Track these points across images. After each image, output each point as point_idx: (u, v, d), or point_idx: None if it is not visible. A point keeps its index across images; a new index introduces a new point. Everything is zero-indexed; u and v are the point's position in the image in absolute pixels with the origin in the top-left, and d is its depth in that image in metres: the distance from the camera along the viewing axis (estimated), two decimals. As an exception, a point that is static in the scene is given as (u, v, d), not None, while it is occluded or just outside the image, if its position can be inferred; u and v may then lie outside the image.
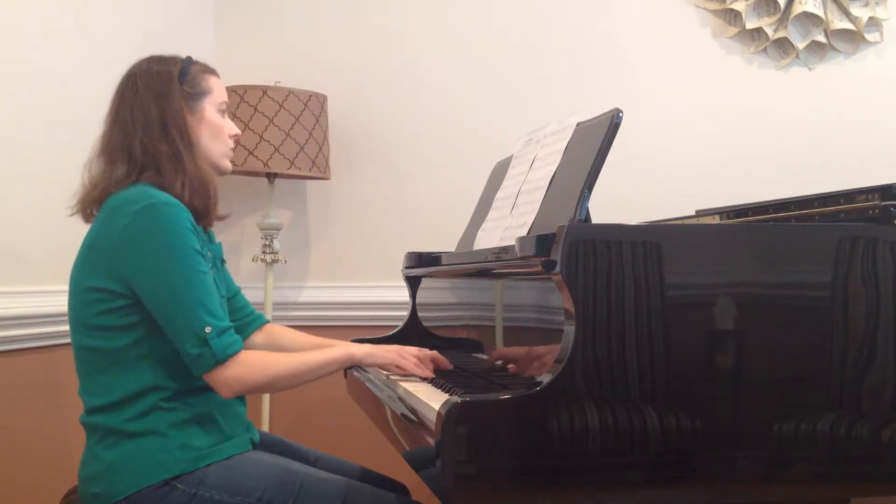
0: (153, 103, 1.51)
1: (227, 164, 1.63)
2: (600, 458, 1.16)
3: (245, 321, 1.75)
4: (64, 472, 1.72)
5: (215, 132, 1.58)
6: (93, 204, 1.51)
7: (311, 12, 2.80)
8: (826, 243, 1.24)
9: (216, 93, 1.59)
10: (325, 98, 2.61)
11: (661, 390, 1.18)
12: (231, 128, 1.63)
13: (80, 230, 2.19)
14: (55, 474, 1.86)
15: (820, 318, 1.23)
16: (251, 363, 1.41)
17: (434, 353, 1.67)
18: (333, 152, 2.70)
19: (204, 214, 1.52)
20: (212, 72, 1.62)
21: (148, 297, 1.39)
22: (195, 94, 1.55)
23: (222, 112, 1.61)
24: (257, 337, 1.79)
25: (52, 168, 2.09)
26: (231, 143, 1.63)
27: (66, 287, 2.11)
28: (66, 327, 2.08)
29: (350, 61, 2.75)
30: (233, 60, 2.77)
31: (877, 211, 1.31)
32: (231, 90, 2.43)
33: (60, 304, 2.08)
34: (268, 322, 1.83)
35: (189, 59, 1.59)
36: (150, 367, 1.41)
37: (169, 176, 1.47)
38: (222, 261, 1.66)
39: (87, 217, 1.54)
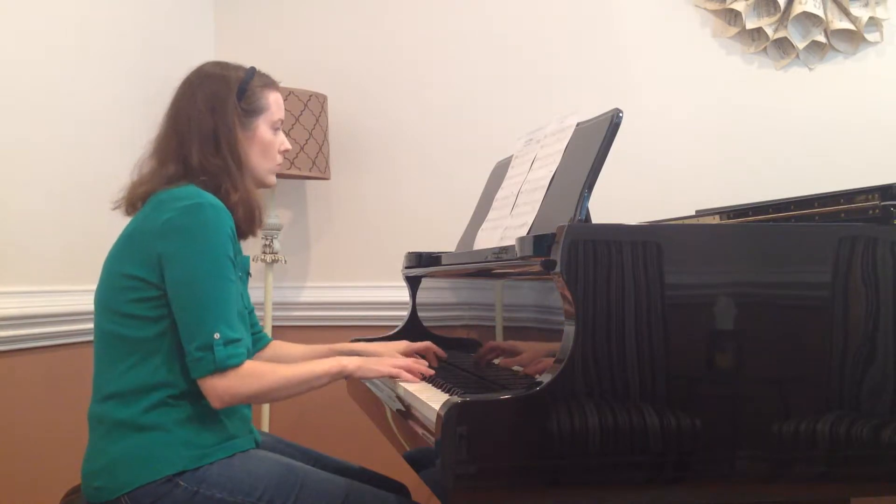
0: (208, 115, 1.53)
1: (272, 180, 1.65)
2: (600, 458, 1.16)
3: (253, 339, 1.76)
4: (64, 472, 1.72)
5: (265, 149, 1.60)
6: (139, 199, 1.53)
7: (310, 12, 2.80)
8: (826, 243, 1.24)
9: (273, 110, 1.61)
10: (325, 98, 2.61)
11: (661, 390, 1.18)
12: (282, 143, 1.64)
13: (82, 231, 2.19)
14: (55, 474, 1.86)
15: (820, 318, 1.23)
16: (243, 375, 1.41)
17: (427, 343, 1.67)
18: (333, 152, 2.70)
19: (248, 232, 1.56)
20: (272, 86, 1.63)
21: (172, 289, 1.40)
22: (250, 112, 1.57)
23: (276, 129, 1.62)
24: (262, 355, 1.79)
25: (53, 168, 2.10)
26: (280, 159, 1.65)
27: (66, 288, 2.12)
28: (67, 327, 2.10)
29: (350, 61, 2.75)
30: (233, 60, 2.76)
31: (877, 211, 1.31)
32: (231, 90, 2.42)
33: (60, 304, 2.09)
34: (272, 340, 1.85)
35: (251, 71, 1.60)
36: (165, 362, 1.42)
37: (227, 188, 1.50)
38: (247, 273, 1.66)
39: (130, 210, 1.55)
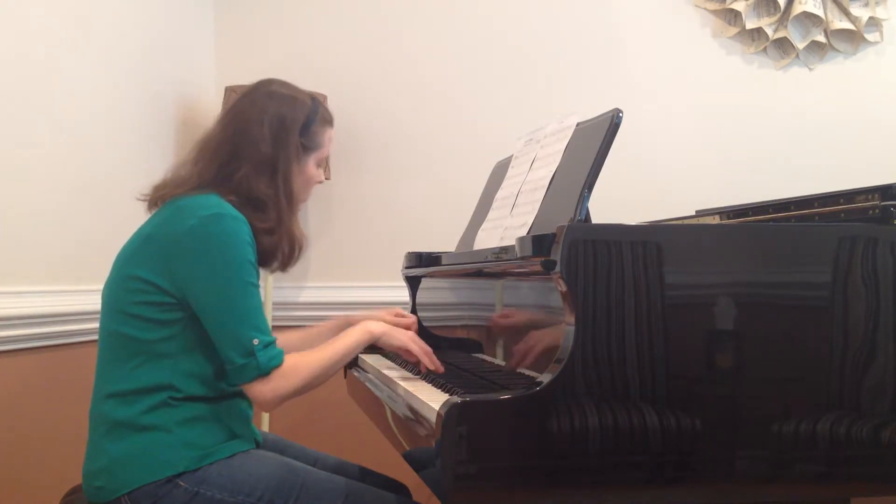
0: (271, 143, 1.53)
1: (299, 208, 1.65)
2: (600, 458, 1.16)
3: None
4: (64, 472, 1.73)
5: (306, 184, 1.61)
6: (165, 199, 1.52)
7: (311, 13, 2.80)
8: (826, 243, 1.24)
9: (325, 148, 1.62)
10: (325, 98, 2.61)
11: (661, 390, 1.18)
12: (318, 176, 1.65)
13: (82, 231, 2.19)
14: (55, 474, 1.86)
15: (820, 318, 1.23)
16: (284, 374, 1.42)
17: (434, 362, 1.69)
18: (333, 152, 2.69)
19: (279, 265, 1.55)
20: (330, 123, 1.64)
21: (199, 304, 1.40)
22: (308, 148, 1.58)
23: (319, 165, 1.63)
24: None
25: (53, 168, 2.09)
26: (311, 190, 1.66)
27: (67, 287, 2.12)
28: (67, 327, 2.10)
29: (350, 61, 2.75)
30: (233, 60, 2.77)
31: (877, 211, 1.31)
32: (231, 90, 2.43)
33: (60, 304, 2.09)
34: None
35: (317, 106, 1.60)
36: (169, 367, 1.42)
37: (264, 217, 1.50)
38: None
39: (151, 207, 1.54)
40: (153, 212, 1.53)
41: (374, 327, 1.59)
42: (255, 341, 1.39)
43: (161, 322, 1.42)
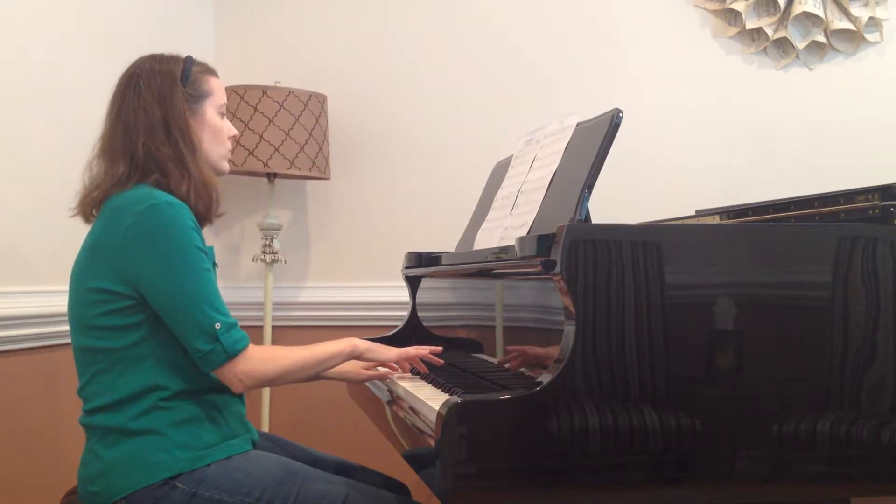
0: (156, 105, 1.51)
1: (226, 166, 1.64)
2: (600, 459, 1.16)
3: None
4: (63, 473, 1.73)
5: (215, 134, 1.59)
6: (94, 204, 1.51)
7: (310, 12, 2.80)
8: (826, 243, 1.24)
9: (217, 94, 1.60)
10: (325, 98, 2.61)
11: (661, 390, 1.18)
12: (229, 129, 1.63)
13: (80, 230, 2.19)
14: (55, 474, 1.86)
15: (820, 318, 1.23)
16: (261, 358, 1.43)
17: (431, 349, 1.69)
18: (333, 152, 2.70)
19: (206, 217, 1.53)
20: (212, 73, 1.62)
21: (154, 297, 1.40)
22: (197, 96, 1.56)
23: (222, 114, 1.61)
24: None
25: (53, 167, 2.10)
26: (230, 145, 1.64)
27: (66, 287, 2.12)
28: (67, 327, 2.10)
29: (350, 61, 2.75)
30: (233, 60, 2.77)
31: (877, 211, 1.31)
32: (231, 90, 2.43)
33: (60, 304, 2.08)
34: None
35: (190, 59, 1.59)
36: (151, 367, 1.42)
37: (175, 179, 1.48)
38: (215, 264, 1.66)
39: (87, 217, 1.53)
40: (91, 222, 1.51)
41: (358, 343, 1.59)
42: (217, 325, 1.38)
43: (129, 327, 1.41)
